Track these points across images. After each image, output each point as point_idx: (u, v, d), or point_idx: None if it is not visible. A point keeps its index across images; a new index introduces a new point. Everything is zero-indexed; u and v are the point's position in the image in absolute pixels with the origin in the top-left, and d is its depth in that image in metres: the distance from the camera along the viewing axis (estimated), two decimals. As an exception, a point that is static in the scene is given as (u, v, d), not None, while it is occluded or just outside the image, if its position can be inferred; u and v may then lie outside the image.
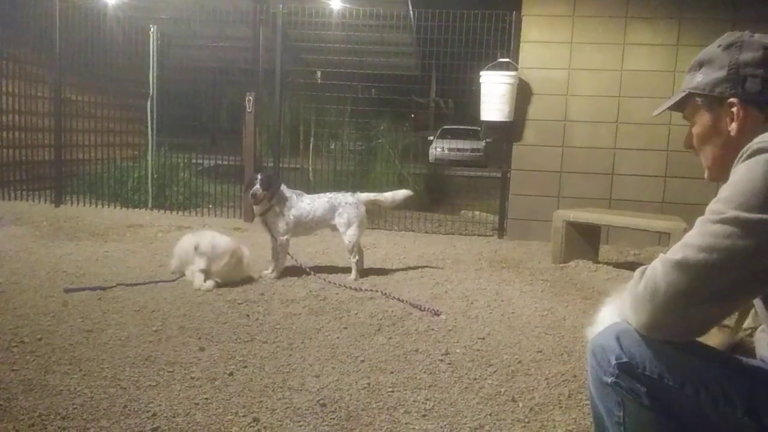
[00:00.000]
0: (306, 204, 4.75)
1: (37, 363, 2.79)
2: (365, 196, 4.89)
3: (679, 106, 1.52)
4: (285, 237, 4.68)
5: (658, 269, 1.26)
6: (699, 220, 1.25)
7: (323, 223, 4.82)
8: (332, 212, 4.75)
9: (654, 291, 1.25)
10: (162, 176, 7.95)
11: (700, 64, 1.46)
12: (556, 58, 6.53)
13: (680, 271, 1.22)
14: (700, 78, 1.44)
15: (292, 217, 4.69)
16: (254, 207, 4.74)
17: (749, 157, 1.23)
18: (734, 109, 1.38)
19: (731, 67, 1.38)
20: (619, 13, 6.41)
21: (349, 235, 4.71)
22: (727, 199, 1.22)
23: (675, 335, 1.29)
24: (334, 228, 4.83)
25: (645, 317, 1.28)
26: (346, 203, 4.75)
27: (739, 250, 1.18)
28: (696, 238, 1.23)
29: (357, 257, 4.76)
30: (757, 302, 1.38)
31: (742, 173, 1.22)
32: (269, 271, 4.68)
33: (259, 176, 4.68)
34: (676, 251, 1.24)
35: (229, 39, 8.85)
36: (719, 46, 1.43)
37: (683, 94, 1.49)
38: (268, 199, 4.63)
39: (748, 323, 1.69)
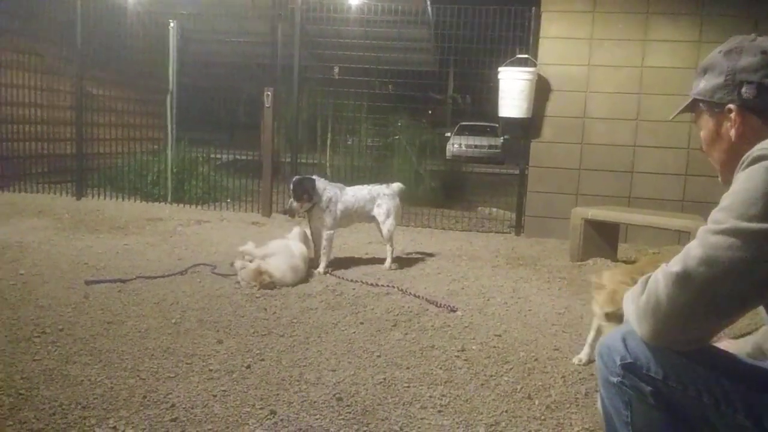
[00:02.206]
0: (350, 196, 4.85)
1: (59, 353, 2.84)
2: (397, 186, 5.03)
3: (689, 111, 1.54)
4: (332, 231, 4.76)
5: (660, 281, 1.26)
6: (700, 230, 1.26)
7: (363, 214, 4.94)
8: (372, 203, 4.89)
9: (656, 304, 1.26)
10: (181, 170, 8.02)
11: (704, 70, 1.47)
12: (576, 55, 6.47)
13: (681, 284, 1.22)
14: (702, 84, 1.46)
15: (339, 212, 4.77)
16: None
17: (750, 164, 1.23)
18: (732, 115, 1.39)
19: (728, 74, 1.39)
20: (640, 9, 6.33)
21: (388, 224, 4.87)
22: (727, 208, 1.22)
23: (679, 345, 1.31)
24: (371, 219, 4.95)
25: (648, 329, 1.29)
26: (384, 195, 4.90)
27: (739, 262, 1.18)
28: (697, 250, 1.23)
29: (393, 246, 4.92)
30: (762, 310, 1.38)
31: (742, 181, 1.23)
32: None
33: (291, 186, 4.73)
34: (678, 262, 1.25)
35: (248, 34, 8.91)
36: (720, 51, 1.44)
37: (690, 99, 1.51)
38: (307, 201, 4.68)
39: None
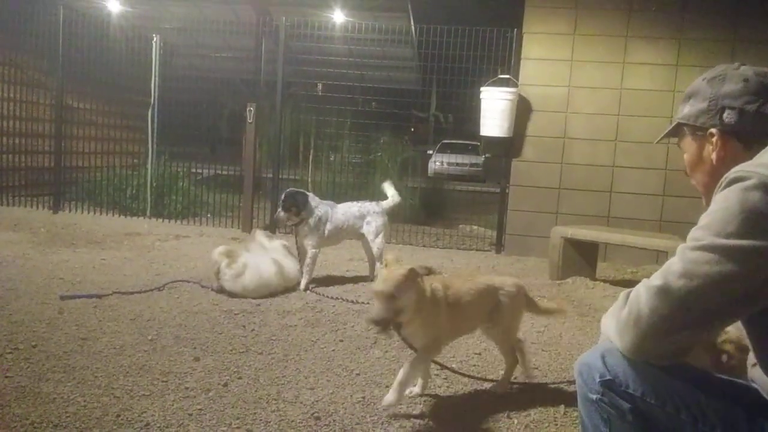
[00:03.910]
0: (341, 214, 4.83)
1: (31, 370, 2.78)
2: (387, 204, 5.02)
3: (673, 135, 1.60)
4: (317, 250, 4.72)
5: (641, 295, 1.30)
6: (680, 248, 1.30)
7: (353, 232, 4.91)
8: (361, 220, 4.87)
9: (637, 317, 1.29)
10: (161, 185, 7.96)
11: (689, 96, 1.53)
12: (557, 76, 6.56)
13: (662, 297, 1.26)
14: (687, 109, 1.52)
15: (327, 232, 4.73)
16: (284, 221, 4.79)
17: (726, 185, 1.28)
18: (714, 139, 1.45)
19: (712, 99, 1.46)
20: (620, 33, 6.45)
21: (378, 243, 4.86)
22: (705, 227, 1.27)
23: (659, 359, 1.34)
24: (360, 236, 4.92)
25: (629, 342, 1.32)
26: (374, 212, 4.88)
27: (717, 276, 1.22)
28: (677, 265, 1.27)
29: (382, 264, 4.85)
30: (743, 325, 1.40)
31: (719, 201, 1.27)
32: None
33: (282, 197, 4.70)
34: (658, 277, 1.29)
35: (232, 50, 8.92)
36: (704, 78, 1.50)
37: (674, 124, 1.57)
38: (295, 214, 4.65)
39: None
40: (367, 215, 4.88)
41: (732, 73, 1.46)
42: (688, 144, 1.53)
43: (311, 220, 4.67)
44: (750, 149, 1.40)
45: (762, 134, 1.39)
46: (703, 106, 1.47)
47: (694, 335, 1.30)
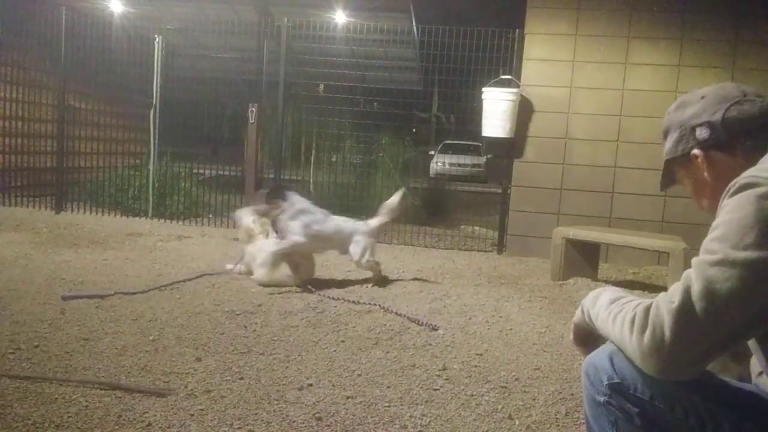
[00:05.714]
0: (332, 225, 4.84)
1: (33, 370, 2.78)
2: (374, 223, 4.98)
3: (670, 176, 1.60)
4: (297, 237, 4.66)
5: (662, 316, 1.22)
6: (697, 262, 1.24)
7: (341, 246, 4.89)
8: (349, 239, 4.83)
9: (660, 343, 1.22)
10: (163, 185, 7.97)
11: (665, 134, 1.55)
12: (558, 77, 6.56)
13: (684, 322, 1.19)
14: (667, 145, 1.54)
15: (309, 230, 4.72)
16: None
17: (736, 192, 1.24)
18: (699, 160, 1.45)
19: (681, 126, 1.49)
20: (622, 33, 6.45)
21: (364, 261, 4.84)
22: (721, 238, 1.22)
23: (682, 377, 1.27)
24: (346, 252, 4.89)
25: (653, 369, 1.25)
26: (361, 232, 4.85)
27: (740, 293, 1.17)
28: (696, 284, 1.21)
29: (375, 271, 4.94)
30: (752, 342, 1.37)
31: (732, 210, 1.23)
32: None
33: (263, 191, 4.82)
34: (677, 296, 1.22)
35: (234, 50, 8.92)
36: (669, 112, 1.54)
37: (664, 165, 1.58)
38: (272, 207, 4.72)
39: None
40: (354, 235, 4.84)
41: (690, 97, 1.50)
42: (683, 176, 1.54)
43: (286, 214, 4.70)
44: (735, 155, 1.40)
45: (739, 136, 1.39)
46: (676, 136, 1.50)
47: (719, 352, 1.25)
